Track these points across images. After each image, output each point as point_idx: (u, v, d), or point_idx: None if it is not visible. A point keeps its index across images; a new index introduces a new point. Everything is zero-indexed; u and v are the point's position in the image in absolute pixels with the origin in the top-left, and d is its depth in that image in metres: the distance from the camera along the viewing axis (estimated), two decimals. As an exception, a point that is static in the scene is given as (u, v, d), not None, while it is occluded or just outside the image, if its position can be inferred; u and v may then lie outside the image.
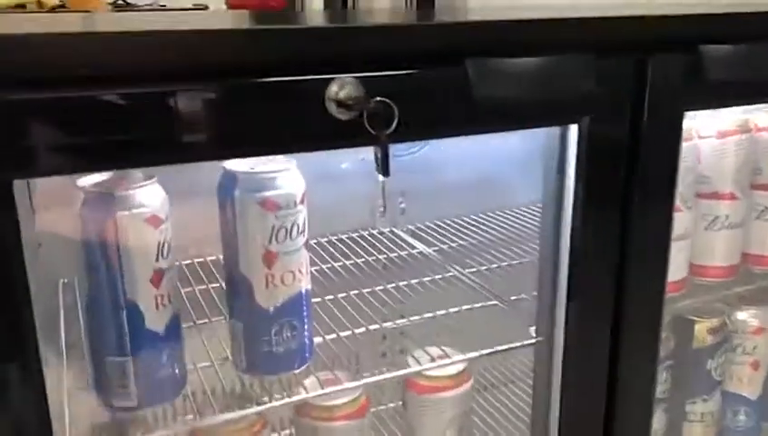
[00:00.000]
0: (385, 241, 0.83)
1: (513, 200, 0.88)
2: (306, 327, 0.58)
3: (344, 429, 0.64)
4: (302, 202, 0.55)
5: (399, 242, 0.84)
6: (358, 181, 0.76)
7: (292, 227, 0.55)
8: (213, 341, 0.62)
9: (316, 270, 0.74)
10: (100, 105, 0.39)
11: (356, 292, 0.73)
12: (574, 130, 0.55)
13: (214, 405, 0.57)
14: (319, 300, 0.69)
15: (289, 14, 0.68)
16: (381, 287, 0.76)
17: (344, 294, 0.72)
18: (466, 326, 0.73)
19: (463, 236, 0.85)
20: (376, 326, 0.68)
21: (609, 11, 0.59)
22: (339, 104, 0.43)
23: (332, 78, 0.43)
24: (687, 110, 0.58)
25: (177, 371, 0.54)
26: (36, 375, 0.42)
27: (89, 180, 0.50)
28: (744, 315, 0.81)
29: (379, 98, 0.43)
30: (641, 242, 0.59)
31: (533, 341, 0.65)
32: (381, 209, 0.85)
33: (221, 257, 0.57)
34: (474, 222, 0.87)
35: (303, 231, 0.56)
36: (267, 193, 0.53)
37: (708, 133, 0.72)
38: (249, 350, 0.57)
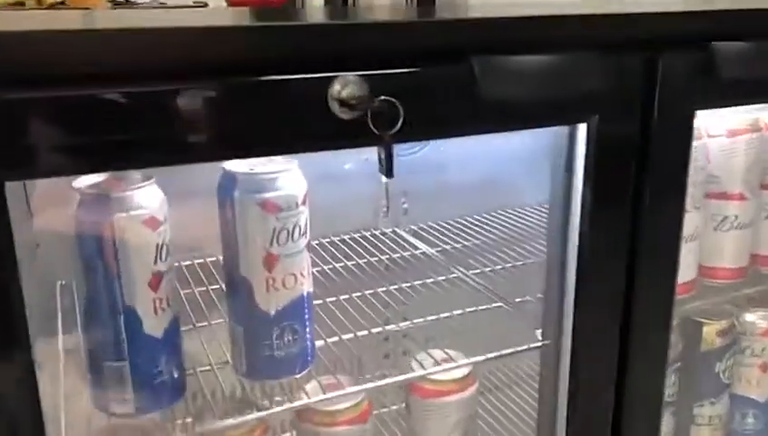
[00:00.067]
0: (387, 241, 0.82)
1: (517, 200, 0.87)
2: (308, 330, 0.57)
3: (346, 434, 0.63)
4: (304, 203, 0.54)
5: (402, 242, 0.82)
6: (359, 180, 0.75)
7: (294, 229, 0.54)
8: (213, 345, 0.61)
9: (317, 271, 0.73)
10: (97, 104, 0.38)
11: (358, 293, 0.72)
12: (582, 129, 0.54)
13: (214, 410, 0.56)
14: (320, 302, 0.68)
15: (289, 10, 0.67)
16: (384, 288, 0.75)
17: (346, 296, 0.71)
18: (470, 328, 0.72)
19: (466, 237, 0.84)
20: (379, 329, 0.67)
21: (618, 7, 0.58)
22: (342, 103, 0.42)
23: (335, 76, 0.42)
24: (698, 109, 0.57)
25: (176, 376, 0.53)
26: (29, 379, 0.40)
27: (85, 181, 0.49)
28: (753, 317, 0.81)
29: (383, 97, 0.41)
30: (651, 242, 0.58)
31: (539, 344, 0.64)
32: (384, 209, 0.84)
33: (222, 258, 0.56)
34: (477, 223, 0.86)
35: (305, 232, 0.55)
36: (267, 195, 0.52)
37: (718, 133, 0.71)
38: (249, 354, 0.56)
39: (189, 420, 0.55)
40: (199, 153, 0.41)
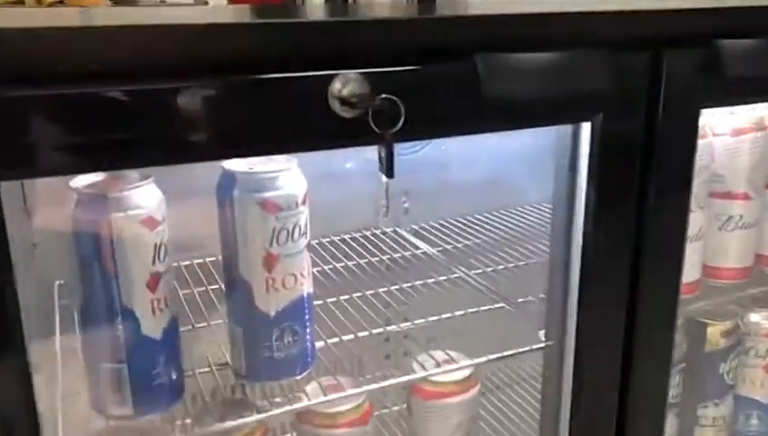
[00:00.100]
0: (388, 241, 0.82)
1: (519, 199, 0.86)
2: (308, 331, 0.56)
3: (347, 436, 0.62)
4: (304, 202, 0.53)
5: (403, 242, 0.82)
6: (360, 179, 0.74)
7: (294, 229, 0.53)
8: (213, 345, 0.61)
9: (318, 271, 0.73)
10: (95, 102, 0.38)
11: (359, 294, 0.71)
12: (586, 128, 0.53)
13: (213, 412, 0.56)
14: (321, 302, 0.67)
15: (289, 8, 0.66)
16: (385, 289, 0.74)
17: (347, 296, 0.71)
18: (472, 329, 0.72)
19: (468, 236, 0.83)
20: (380, 329, 0.66)
21: (622, 3, 0.57)
22: (343, 101, 0.41)
23: (335, 74, 0.41)
24: (704, 107, 0.56)
25: (175, 377, 0.52)
26: (24, 382, 0.40)
27: (82, 181, 0.48)
28: (758, 317, 0.80)
29: (384, 95, 0.41)
30: (655, 242, 0.58)
31: (542, 345, 0.63)
32: (384, 209, 0.83)
33: (221, 258, 0.56)
34: (479, 222, 0.86)
35: (305, 232, 0.54)
36: (267, 194, 0.52)
37: (722, 131, 0.70)
38: (249, 355, 0.55)
39: (188, 421, 0.54)
40: (198, 152, 0.41)
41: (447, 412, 0.68)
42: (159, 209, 0.49)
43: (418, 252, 0.81)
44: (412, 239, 0.83)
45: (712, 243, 0.72)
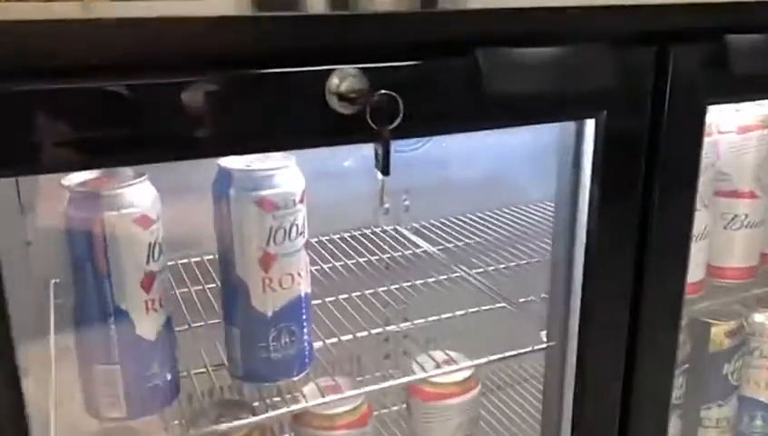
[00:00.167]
0: (388, 239, 0.81)
1: (521, 197, 0.85)
2: (305, 332, 0.55)
3: (345, 438, 0.61)
4: (302, 201, 0.52)
5: (403, 240, 0.81)
6: (360, 177, 0.73)
7: (291, 228, 0.52)
8: (209, 345, 0.60)
9: (317, 269, 0.72)
10: (88, 98, 0.37)
11: (358, 293, 0.70)
12: (590, 125, 0.52)
13: (209, 414, 0.55)
14: (319, 302, 0.66)
15: (287, 1, 0.65)
16: (384, 288, 0.73)
17: (346, 296, 0.70)
18: (472, 329, 0.71)
19: (469, 235, 0.82)
20: (379, 329, 0.66)
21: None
22: (341, 97, 0.40)
23: (333, 69, 0.40)
24: (711, 104, 0.55)
25: (170, 378, 0.51)
26: (12, 384, 0.39)
27: (75, 178, 0.47)
28: (762, 318, 0.79)
29: (383, 91, 0.40)
30: (660, 241, 0.57)
31: (544, 345, 0.62)
32: (385, 206, 0.82)
33: (217, 257, 0.55)
34: (481, 220, 0.85)
35: (303, 231, 0.53)
36: (264, 193, 0.51)
37: (728, 129, 0.69)
38: (245, 356, 0.54)
39: (183, 423, 0.54)
40: (191, 150, 0.39)
41: (447, 414, 0.67)
42: (153, 207, 0.48)
43: (418, 250, 0.80)
44: (413, 237, 0.82)
45: (717, 243, 0.71)
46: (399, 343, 0.83)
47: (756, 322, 0.79)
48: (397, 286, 0.75)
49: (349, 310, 0.67)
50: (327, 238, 0.78)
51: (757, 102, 0.68)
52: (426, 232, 0.83)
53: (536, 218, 0.83)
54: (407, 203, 0.84)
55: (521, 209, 0.85)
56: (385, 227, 0.83)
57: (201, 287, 0.67)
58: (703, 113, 0.55)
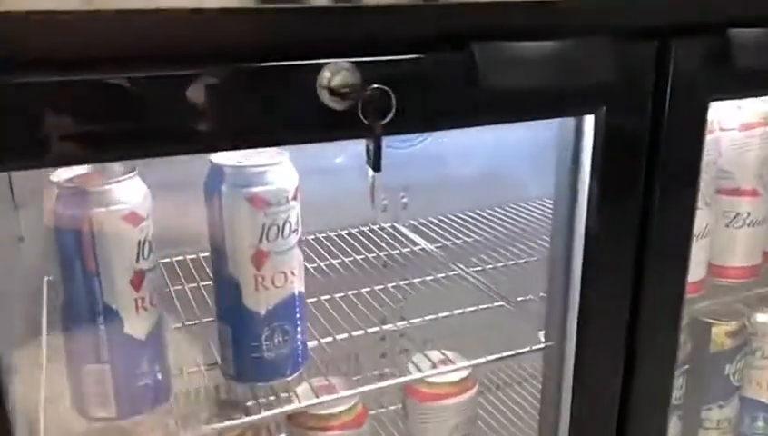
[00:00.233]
0: (386, 236, 0.80)
1: (521, 194, 0.85)
2: (299, 331, 0.54)
3: (340, 439, 0.60)
4: (295, 197, 0.52)
5: (401, 238, 0.80)
6: (358, 173, 0.72)
7: (284, 225, 0.51)
8: (203, 344, 0.59)
9: (313, 267, 0.71)
10: (76, 92, 0.36)
11: (354, 291, 0.70)
12: (590, 121, 0.51)
13: (201, 414, 0.54)
14: (315, 300, 0.65)
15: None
16: (381, 286, 0.72)
17: (342, 294, 0.69)
18: (470, 328, 0.70)
19: (468, 232, 0.81)
20: (375, 328, 0.65)
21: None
22: (333, 91, 0.39)
23: (325, 63, 0.39)
24: (713, 100, 0.54)
25: (160, 378, 0.50)
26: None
27: (63, 174, 0.47)
28: (765, 317, 0.78)
29: (375, 86, 0.39)
30: (660, 239, 0.56)
31: (542, 345, 0.61)
32: (384, 203, 0.81)
33: (210, 255, 0.54)
34: (480, 218, 0.84)
35: (296, 229, 0.52)
36: (256, 189, 0.50)
37: (730, 126, 0.68)
38: (238, 355, 0.53)
39: (175, 423, 0.53)
40: (177, 145, 0.39)
41: (443, 414, 0.66)
42: (143, 204, 0.48)
43: (416, 248, 0.79)
44: (411, 235, 0.81)
45: (718, 241, 0.70)
46: (396, 342, 0.82)
47: (759, 323, 0.78)
48: (394, 284, 0.74)
49: (345, 308, 0.66)
50: (324, 235, 0.77)
51: (760, 98, 0.67)
52: (424, 229, 0.82)
53: (536, 215, 0.82)
54: (405, 200, 0.83)
55: (521, 206, 0.85)
56: (383, 224, 0.82)
57: (195, 284, 0.66)
58: (704, 110, 0.54)
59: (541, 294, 0.64)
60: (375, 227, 0.82)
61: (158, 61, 0.36)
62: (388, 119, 0.39)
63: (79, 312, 0.47)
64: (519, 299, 0.69)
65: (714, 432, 0.78)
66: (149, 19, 0.36)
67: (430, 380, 0.65)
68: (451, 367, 0.63)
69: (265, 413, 0.54)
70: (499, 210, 0.85)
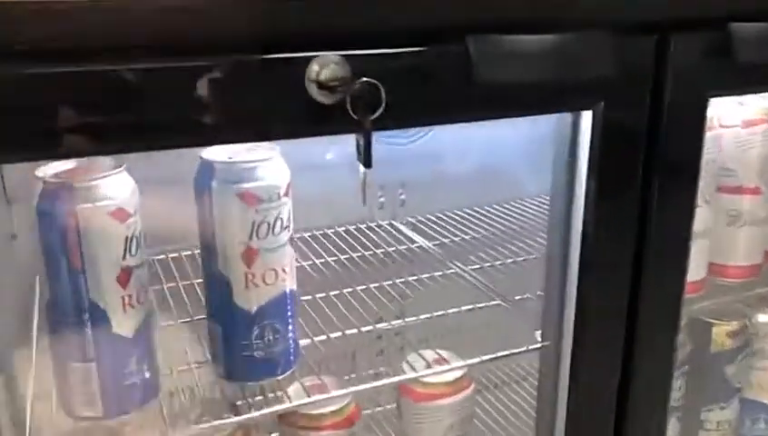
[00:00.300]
0: (383, 234, 0.79)
1: (520, 191, 0.83)
2: (290, 330, 0.54)
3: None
4: (287, 194, 0.51)
5: (398, 235, 0.79)
6: (356, 170, 0.71)
7: (275, 222, 0.50)
8: (195, 342, 0.58)
9: (309, 265, 0.70)
10: (62, 85, 0.35)
11: (349, 289, 0.69)
12: (587, 116, 0.50)
13: (190, 413, 0.53)
14: (309, 298, 0.65)
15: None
16: (378, 284, 0.72)
17: (337, 292, 0.68)
18: (466, 327, 0.69)
19: (467, 230, 0.80)
20: (369, 327, 0.64)
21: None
22: (321, 85, 0.38)
23: (314, 56, 0.38)
24: (713, 96, 0.53)
25: (148, 377, 0.49)
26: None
27: (49, 169, 0.46)
28: (766, 318, 0.77)
29: (364, 79, 0.38)
30: (659, 238, 0.55)
31: (538, 345, 0.60)
32: (381, 200, 0.81)
33: (199, 252, 0.53)
34: (479, 215, 0.83)
35: (288, 226, 0.51)
36: (246, 185, 0.49)
37: (732, 123, 0.67)
38: (228, 354, 0.53)
39: (163, 422, 0.52)
40: (160, 138, 0.38)
41: (438, 415, 0.65)
42: (131, 200, 0.47)
43: (413, 245, 0.78)
44: (408, 232, 0.80)
45: (719, 240, 0.69)
46: (392, 341, 0.81)
47: (760, 323, 0.77)
48: (390, 282, 0.73)
49: (340, 307, 0.66)
50: (321, 232, 0.77)
51: (762, 94, 0.66)
52: (422, 226, 0.81)
53: (536, 213, 0.81)
54: (403, 197, 0.83)
55: (521, 203, 0.84)
56: (380, 222, 0.81)
57: (189, 282, 0.66)
58: (704, 106, 0.53)
59: (538, 293, 0.63)
60: (372, 225, 0.81)
61: (141, 54, 0.35)
62: (377, 114, 0.38)
63: (64, 310, 0.46)
64: (517, 297, 0.68)
65: (715, 434, 0.77)
66: (133, 10, 0.35)
67: (425, 379, 0.64)
68: (446, 367, 0.62)
69: (255, 413, 0.53)
70: (498, 207, 0.84)
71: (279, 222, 0.51)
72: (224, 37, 0.37)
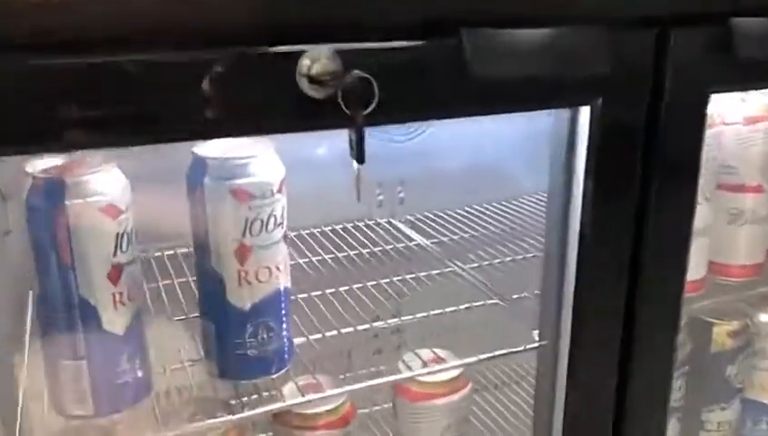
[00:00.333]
0: (381, 232, 0.78)
1: (519, 189, 0.83)
2: (284, 328, 0.53)
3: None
4: (280, 190, 0.50)
5: (396, 233, 0.79)
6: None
7: (269, 219, 0.50)
8: (189, 340, 0.58)
9: (305, 262, 0.70)
10: (47, 77, 0.35)
11: (346, 287, 0.68)
12: (585, 112, 0.50)
13: (183, 412, 0.53)
14: (305, 296, 0.64)
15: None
16: (375, 282, 0.71)
17: (334, 290, 0.67)
18: (464, 326, 0.68)
19: (465, 228, 0.80)
20: (366, 326, 0.63)
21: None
22: (312, 79, 0.38)
23: (305, 50, 0.37)
24: (714, 92, 0.52)
25: (140, 375, 0.49)
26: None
27: (39, 164, 0.45)
28: (768, 317, 0.76)
29: (356, 72, 0.37)
30: (658, 236, 0.54)
31: (536, 344, 0.60)
32: (380, 198, 0.80)
33: (193, 249, 0.53)
34: (479, 213, 0.82)
35: (281, 223, 0.51)
36: (239, 182, 0.48)
37: (734, 120, 0.66)
38: (221, 352, 0.52)
39: (155, 421, 0.52)
40: (148, 132, 0.37)
41: (435, 414, 0.64)
42: (122, 196, 0.46)
43: (411, 244, 0.77)
44: (407, 230, 0.80)
45: (719, 238, 0.69)
46: (388, 340, 0.81)
47: (762, 323, 0.76)
48: (387, 281, 0.72)
49: (336, 305, 0.65)
50: (318, 230, 0.76)
51: (763, 90, 0.65)
52: (421, 224, 0.81)
53: (535, 211, 0.80)
54: (402, 195, 0.82)
55: (520, 202, 0.83)
56: (378, 220, 0.81)
57: (185, 279, 0.65)
58: (705, 102, 0.52)
59: (536, 292, 0.62)
60: (371, 222, 0.80)
61: (123, 47, 0.35)
62: (370, 109, 0.37)
63: (54, 306, 0.46)
64: (514, 296, 0.67)
65: (715, 435, 0.77)
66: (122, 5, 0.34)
67: (421, 379, 0.63)
68: (442, 366, 0.61)
69: (249, 412, 0.53)
70: (500, 205, 0.83)
71: (272, 219, 0.50)
72: (225, 29, 0.37)
